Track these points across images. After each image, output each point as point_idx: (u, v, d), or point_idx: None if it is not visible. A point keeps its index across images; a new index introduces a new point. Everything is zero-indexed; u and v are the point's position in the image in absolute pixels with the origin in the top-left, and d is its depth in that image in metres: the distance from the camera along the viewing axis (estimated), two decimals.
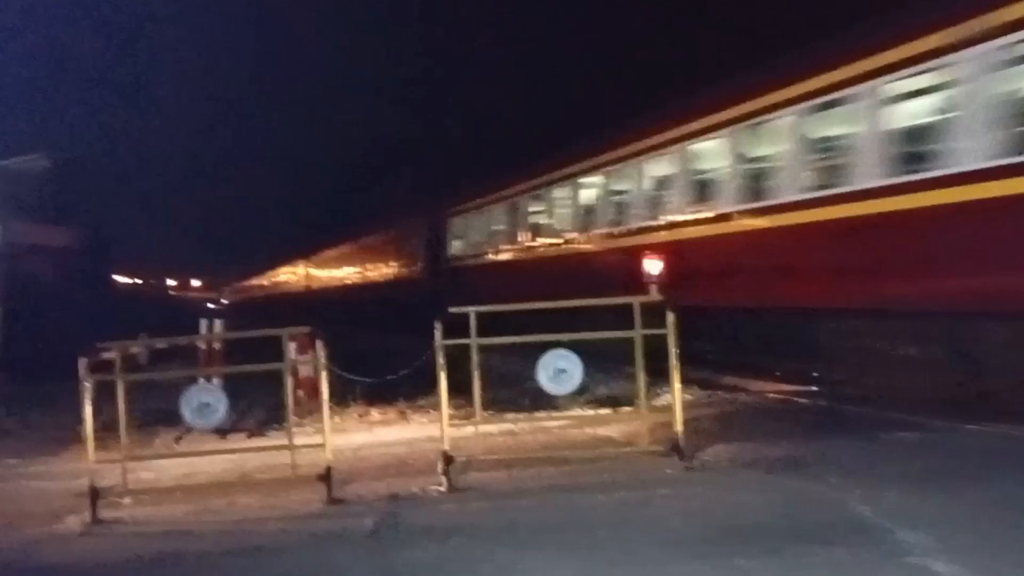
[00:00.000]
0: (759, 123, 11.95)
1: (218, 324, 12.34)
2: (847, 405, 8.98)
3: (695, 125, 13.42)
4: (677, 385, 6.96)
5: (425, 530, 5.76)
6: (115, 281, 47.17)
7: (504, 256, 21.93)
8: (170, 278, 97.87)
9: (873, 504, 5.49)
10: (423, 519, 6.06)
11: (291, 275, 56.22)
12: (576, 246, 17.70)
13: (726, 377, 11.33)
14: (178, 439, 9.97)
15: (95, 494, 6.67)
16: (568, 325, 8.50)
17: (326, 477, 6.74)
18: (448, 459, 6.89)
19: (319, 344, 7.27)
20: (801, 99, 10.96)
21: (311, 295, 46.84)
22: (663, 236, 14.25)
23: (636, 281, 13.01)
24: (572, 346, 7.23)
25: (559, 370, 6.99)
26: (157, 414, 10.70)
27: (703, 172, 13.48)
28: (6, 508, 7.04)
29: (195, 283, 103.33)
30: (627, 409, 8.99)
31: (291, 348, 10.97)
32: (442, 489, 6.75)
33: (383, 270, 34.11)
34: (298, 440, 7.38)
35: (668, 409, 7.23)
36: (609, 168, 16.53)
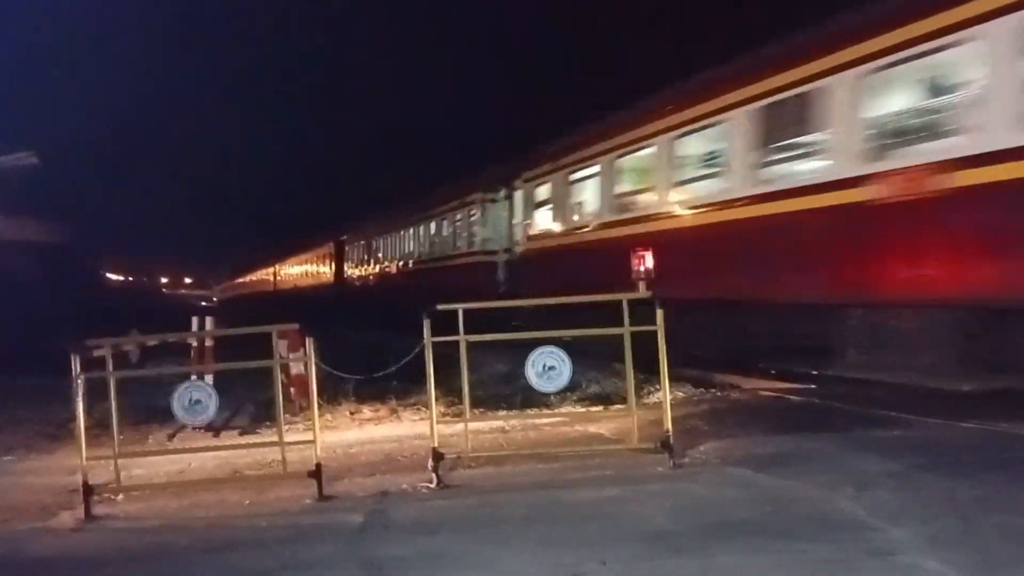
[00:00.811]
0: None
1: (209, 321, 12.36)
2: (839, 402, 9.01)
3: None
4: (666, 382, 7.01)
5: (413, 525, 5.82)
6: (106, 278, 47.09)
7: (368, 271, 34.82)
8: (163, 276, 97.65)
9: (862, 501, 5.54)
10: (411, 515, 6.11)
11: (278, 273, 56.65)
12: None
13: (719, 374, 11.35)
14: (171, 436, 10.01)
15: (88, 490, 6.70)
16: (558, 323, 8.62)
17: (316, 474, 6.78)
18: (437, 456, 6.94)
19: (309, 341, 7.29)
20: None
21: (297, 292, 47.27)
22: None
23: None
24: (564, 343, 7.28)
25: (548, 367, 7.03)
26: (149, 411, 10.75)
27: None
28: None
29: (187, 281, 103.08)
30: (618, 407, 9.05)
31: (282, 345, 11.08)
32: (431, 486, 6.79)
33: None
34: (289, 437, 7.44)
35: (659, 406, 7.29)
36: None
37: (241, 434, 10.26)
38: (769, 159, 11.48)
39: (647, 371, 8.63)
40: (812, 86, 10.56)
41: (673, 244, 13.40)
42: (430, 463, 6.94)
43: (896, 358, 9.98)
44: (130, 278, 76.82)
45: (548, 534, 5.35)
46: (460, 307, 7.11)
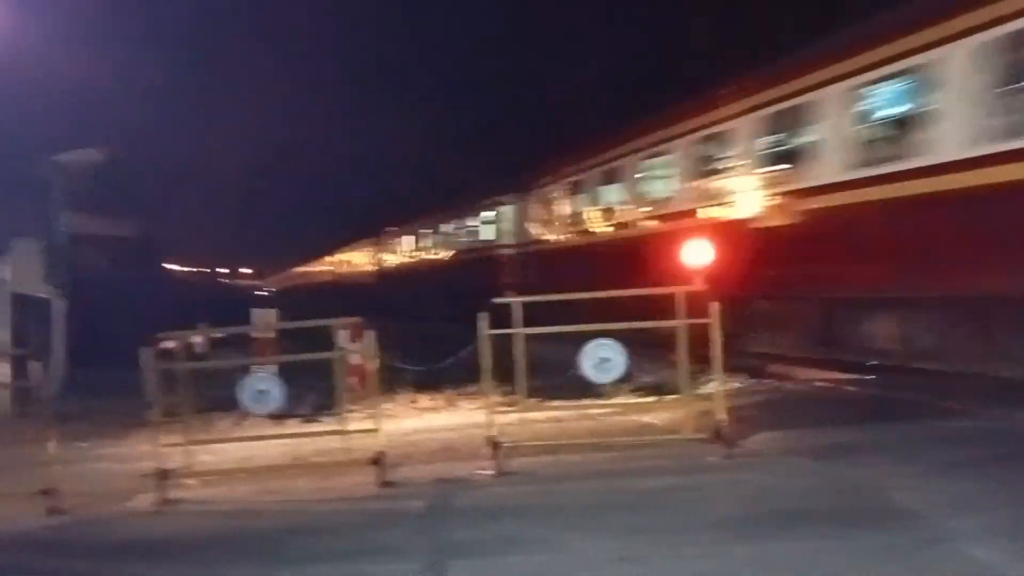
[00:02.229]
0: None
1: (271, 313, 12.70)
2: (897, 393, 8.97)
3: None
4: (720, 374, 7.07)
5: (474, 511, 6.00)
6: (167, 270, 48.26)
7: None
8: (222, 267, 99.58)
9: (919, 491, 5.54)
10: (472, 501, 6.30)
11: (333, 264, 57.31)
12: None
13: (774, 365, 11.30)
14: (237, 424, 10.35)
15: (163, 475, 7.00)
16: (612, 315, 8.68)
17: (378, 461, 6.99)
18: (495, 444, 7.10)
19: (370, 333, 7.47)
20: None
21: (353, 283, 47.67)
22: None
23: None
24: (617, 335, 7.38)
25: (603, 359, 7.14)
26: (214, 401, 11.11)
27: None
28: (80, 488, 7.37)
29: (244, 271, 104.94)
30: (671, 397, 9.12)
31: (344, 336, 11.35)
32: (490, 473, 6.96)
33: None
34: (350, 426, 7.66)
35: (713, 397, 7.35)
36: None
37: (303, 422, 10.57)
38: None
39: (701, 362, 8.68)
40: None
41: None
42: (488, 451, 7.10)
43: (956, 347, 9.82)
44: (191, 269, 78.57)
45: (609, 520, 5.46)
46: (517, 300, 7.26)
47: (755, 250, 12.01)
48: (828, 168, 11.19)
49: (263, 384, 7.48)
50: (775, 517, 5.28)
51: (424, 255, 35.27)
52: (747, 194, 12.73)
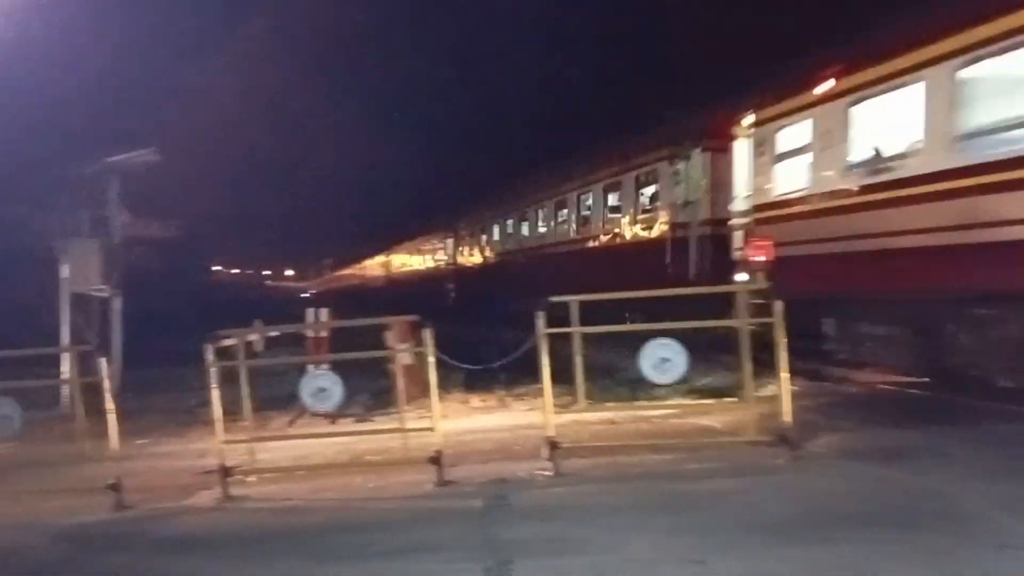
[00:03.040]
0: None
1: (324, 313, 12.79)
2: (960, 396, 8.77)
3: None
4: (784, 375, 6.92)
5: (534, 511, 5.97)
6: (214, 271, 49.16)
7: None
8: (266, 268, 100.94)
9: (984, 495, 5.46)
10: (531, 501, 6.27)
11: (375, 265, 57.51)
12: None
13: (833, 368, 11.06)
14: (291, 422, 10.44)
15: (225, 472, 7.08)
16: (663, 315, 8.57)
17: (436, 460, 6.98)
18: (553, 445, 7.06)
19: (426, 332, 7.45)
20: None
21: (393, 284, 47.75)
22: None
23: None
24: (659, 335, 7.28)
25: (662, 359, 7.06)
26: (269, 399, 11.23)
27: None
28: (141, 484, 7.49)
29: (288, 273, 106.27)
30: (729, 400, 9.00)
31: (392, 336, 11.40)
32: (548, 473, 6.92)
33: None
34: (407, 425, 7.67)
35: (774, 399, 7.24)
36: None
37: (356, 421, 10.63)
38: None
39: (759, 363, 8.56)
40: None
41: None
42: (545, 452, 7.06)
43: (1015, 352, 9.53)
44: (236, 271, 79.80)
45: (670, 523, 5.41)
46: (573, 299, 7.20)
47: None
48: None
49: (323, 382, 7.52)
50: (840, 521, 5.20)
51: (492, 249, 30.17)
52: None
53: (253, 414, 10.47)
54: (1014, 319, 8.23)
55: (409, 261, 45.02)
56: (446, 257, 36.65)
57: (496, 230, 29.45)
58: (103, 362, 7.42)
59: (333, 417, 10.41)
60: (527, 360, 8.37)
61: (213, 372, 7.32)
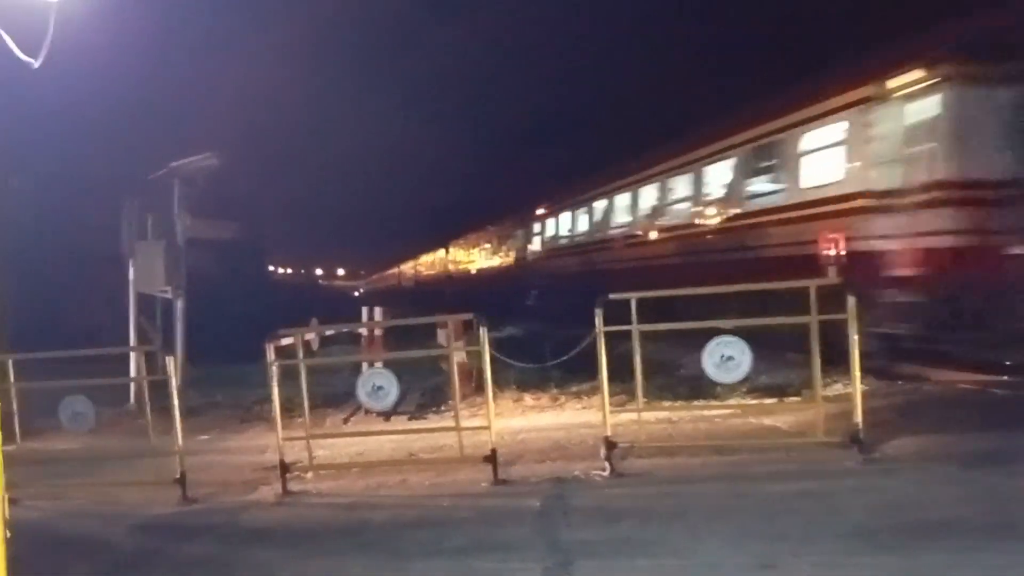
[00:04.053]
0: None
1: (378, 312, 12.89)
2: None
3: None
4: (857, 373, 6.67)
5: (594, 512, 5.88)
6: (270, 271, 49.98)
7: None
8: (319, 268, 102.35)
9: None
10: (589, 501, 6.18)
11: (422, 264, 57.78)
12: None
13: (905, 365, 10.60)
14: (346, 420, 10.53)
15: (285, 468, 7.15)
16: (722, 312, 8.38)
17: (492, 458, 6.96)
18: (611, 445, 6.98)
19: (482, 330, 7.42)
20: None
21: (443, 282, 47.47)
22: None
23: None
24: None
25: (726, 357, 6.92)
26: (325, 396, 11.35)
27: None
28: (205, 479, 7.61)
29: (340, 272, 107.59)
30: (793, 399, 8.82)
31: (443, 334, 11.44)
32: (605, 474, 6.83)
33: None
34: (462, 423, 7.65)
35: (843, 398, 7.04)
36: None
37: (410, 419, 10.67)
38: None
39: (824, 361, 8.33)
40: None
41: None
42: (603, 451, 6.98)
43: None
44: (290, 271, 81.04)
45: (737, 526, 5.28)
46: (633, 296, 7.11)
47: None
48: None
49: (380, 380, 7.53)
50: (920, 527, 5.01)
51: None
52: None
53: (311, 411, 10.69)
54: None
55: (473, 257, 43.99)
56: (518, 251, 34.15)
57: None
58: (170, 361, 7.55)
59: (387, 415, 10.47)
60: (581, 358, 8.33)
61: (274, 370, 7.38)
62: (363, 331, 12.17)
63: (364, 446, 8.80)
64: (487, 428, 7.13)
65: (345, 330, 12.62)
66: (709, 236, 15.48)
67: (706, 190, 15.92)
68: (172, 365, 7.47)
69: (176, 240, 14.51)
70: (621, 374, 7.91)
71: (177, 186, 14.69)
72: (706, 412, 8.88)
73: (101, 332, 14.09)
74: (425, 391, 12.10)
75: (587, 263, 22.44)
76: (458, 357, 10.73)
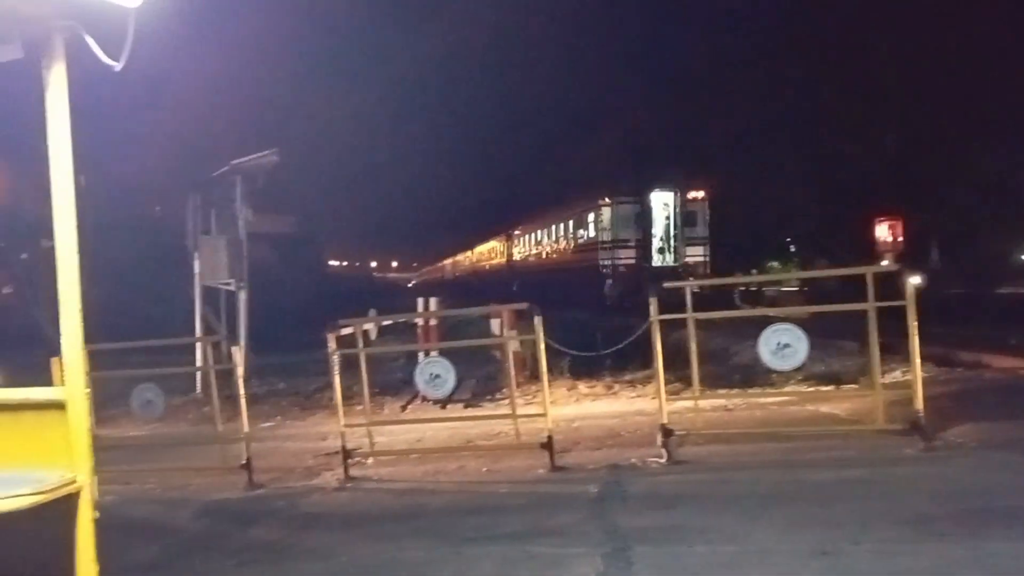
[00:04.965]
0: None
1: (434, 302, 13.03)
2: None
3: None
4: (917, 360, 6.58)
5: (650, 498, 5.91)
6: (326, 264, 50.76)
7: None
8: (373, 260, 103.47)
9: None
10: (646, 488, 6.21)
11: (473, 256, 58.65)
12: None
13: (964, 353, 10.54)
14: (403, 407, 10.70)
15: (347, 454, 7.31)
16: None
17: (548, 445, 7.01)
18: (667, 432, 6.99)
19: (537, 319, 7.46)
20: None
21: (492, 273, 48.11)
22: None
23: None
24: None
25: (783, 345, 6.87)
26: (382, 385, 11.55)
27: None
28: (269, 465, 7.82)
29: (394, 264, 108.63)
30: (850, 386, 8.72)
31: (496, 324, 11.55)
32: (661, 461, 6.85)
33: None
34: (509, 411, 7.73)
35: (901, 386, 6.94)
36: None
37: (465, 407, 10.80)
38: None
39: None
40: None
41: None
42: (659, 439, 6.99)
43: None
44: (345, 263, 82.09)
45: (794, 512, 5.25)
46: (688, 284, 7.11)
47: None
48: None
49: (437, 369, 7.65)
50: (983, 514, 4.92)
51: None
52: None
53: (370, 399, 10.89)
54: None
55: (508, 252, 44.79)
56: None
57: None
58: (235, 350, 7.77)
59: (443, 403, 10.61)
60: (634, 346, 8.34)
61: (335, 359, 7.53)
62: (419, 321, 12.32)
63: (422, 433, 8.95)
64: (543, 415, 7.18)
65: (402, 320, 12.81)
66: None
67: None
68: (238, 354, 7.68)
69: (238, 234, 14.88)
70: (674, 362, 7.91)
71: (239, 182, 15.06)
72: (762, 400, 8.82)
73: (167, 323, 14.52)
74: (479, 379, 12.23)
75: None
76: (513, 346, 10.88)
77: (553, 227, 34.92)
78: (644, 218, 27.88)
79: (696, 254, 27.70)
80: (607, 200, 28.55)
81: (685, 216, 27.71)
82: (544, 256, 36.50)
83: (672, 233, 27.86)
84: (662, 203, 27.87)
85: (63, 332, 3.04)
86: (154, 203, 24.74)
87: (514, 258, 41.49)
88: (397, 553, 5.18)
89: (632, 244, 28.08)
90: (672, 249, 27.89)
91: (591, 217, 29.81)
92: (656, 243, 27.89)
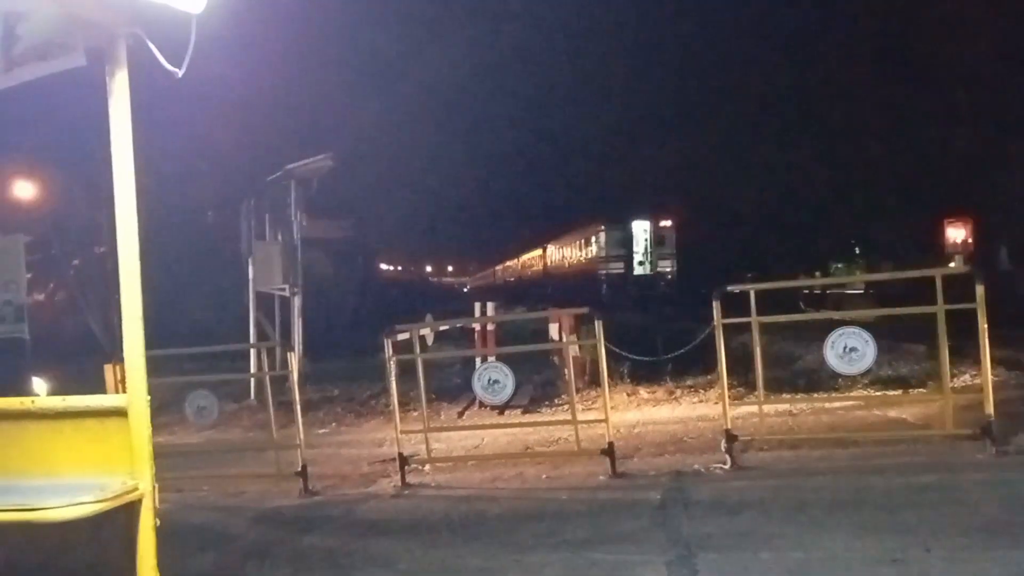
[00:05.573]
0: None
1: (491, 307, 12.99)
2: None
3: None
4: (987, 363, 6.38)
5: (714, 505, 5.77)
6: (380, 269, 51.19)
7: None
8: (428, 265, 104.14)
9: None
10: (710, 494, 6.06)
11: (518, 263, 64.28)
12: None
13: None
14: (461, 413, 10.66)
15: (403, 461, 7.28)
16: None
17: (609, 451, 6.91)
18: (731, 438, 6.83)
19: (598, 324, 7.36)
20: None
21: (547, 278, 51.26)
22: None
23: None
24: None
25: (849, 348, 6.68)
26: (439, 391, 11.54)
27: None
28: (324, 472, 7.84)
29: (449, 269, 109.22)
30: (918, 390, 8.46)
31: (555, 329, 11.45)
32: (725, 467, 6.71)
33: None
34: (568, 416, 7.63)
35: (971, 390, 6.72)
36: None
37: (523, 412, 10.72)
38: None
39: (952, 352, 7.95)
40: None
41: None
42: (723, 444, 6.84)
43: None
44: (400, 268, 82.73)
45: (862, 519, 5.10)
46: (751, 287, 6.95)
47: None
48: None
49: (495, 374, 7.58)
50: None
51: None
52: None
53: (428, 405, 10.88)
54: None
55: (558, 257, 50.02)
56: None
57: None
58: (291, 356, 7.79)
59: (501, 408, 10.55)
60: (695, 351, 8.19)
61: (392, 365, 7.51)
62: (475, 326, 12.28)
63: (480, 439, 8.90)
64: (604, 421, 7.08)
65: (459, 325, 12.79)
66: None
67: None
68: (293, 360, 7.70)
69: (292, 239, 15.00)
70: (736, 367, 7.75)
71: (293, 187, 15.19)
72: (828, 404, 8.61)
73: (220, 329, 14.68)
74: (537, 385, 12.16)
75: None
76: (572, 351, 10.78)
77: (572, 243, 45.54)
78: (628, 240, 37.74)
79: (665, 266, 37.53)
80: (602, 227, 38.64)
81: (657, 239, 37.51)
82: (567, 265, 46.61)
83: (648, 250, 37.64)
84: (641, 229, 37.72)
85: (125, 340, 3.04)
86: (207, 208, 25.06)
87: (548, 266, 52.14)
88: (456, 561, 5.11)
89: (620, 258, 37.84)
90: (648, 262, 37.60)
91: (594, 238, 40.20)
92: (637, 258, 37.62)
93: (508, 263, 71.10)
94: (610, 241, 38.05)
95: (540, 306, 23.71)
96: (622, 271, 37.34)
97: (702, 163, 36.94)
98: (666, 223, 37.23)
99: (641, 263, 37.29)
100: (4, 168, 18.72)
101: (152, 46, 3.04)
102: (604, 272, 37.82)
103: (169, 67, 3.05)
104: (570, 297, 27.24)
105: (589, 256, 40.88)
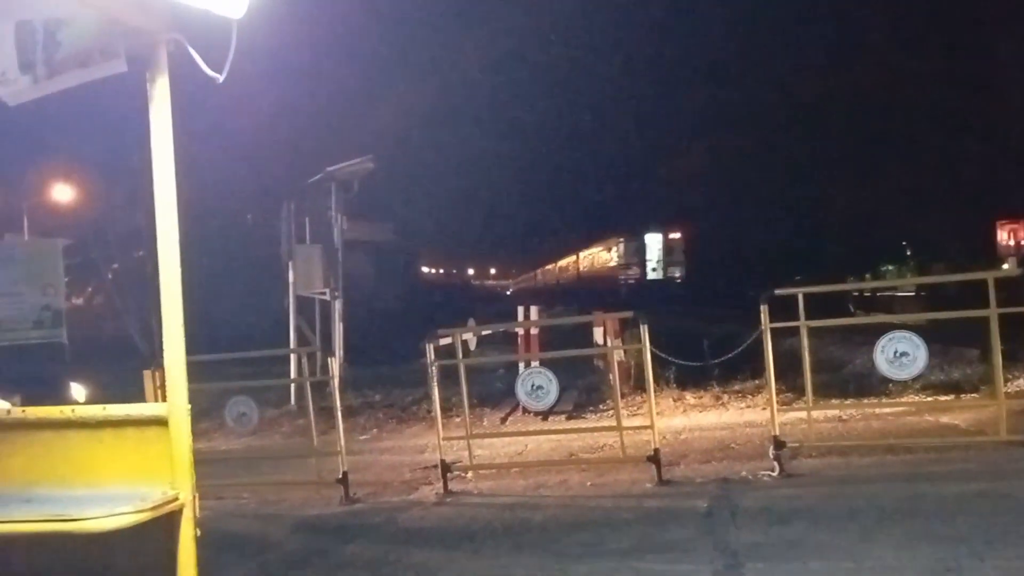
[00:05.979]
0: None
1: (534, 310, 12.89)
2: None
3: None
4: None
5: (761, 513, 5.65)
6: (422, 271, 51.53)
7: None
8: (470, 267, 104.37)
9: None
10: (758, 502, 5.94)
11: (556, 267, 68.69)
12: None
13: None
14: (504, 419, 10.58)
15: (446, 468, 7.21)
16: None
17: (655, 458, 6.79)
18: (779, 444, 6.68)
19: (643, 328, 7.24)
20: None
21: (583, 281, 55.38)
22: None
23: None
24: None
25: (899, 353, 6.49)
26: (481, 396, 11.47)
27: None
28: (365, 479, 7.81)
29: (492, 271, 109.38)
30: (972, 395, 8.22)
31: (600, 333, 11.33)
32: (773, 474, 6.56)
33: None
34: (614, 422, 7.52)
35: (1022, 395, 6.49)
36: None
37: (567, 419, 10.61)
38: None
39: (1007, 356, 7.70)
40: None
41: None
42: (771, 451, 6.69)
43: None
44: (442, 271, 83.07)
45: (914, 528, 4.96)
46: (800, 291, 6.79)
47: None
48: None
49: (539, 380, 7.48)
50: None
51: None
52: None
53: (469, 411, 10.83)
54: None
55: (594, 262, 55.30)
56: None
57: None
58: (332, 362, 7.77)
59: (545, 414, 10.45)
60: (742, 356, 8.04)
61: (434, 370, 7.46)
62: (519, 330, 12.20)
63: (523, 446, 8.82)
64: (650, 427, 6.96)
65: (502, 329, 12.71)
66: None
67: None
68: (334, 365, 7.67)
69: (333, 243, 15.01)
70: (784, 372, 7.59)
71: (334, 190, 15.18)
72: (878, 410, 8.40)
73: (259, 334, 14.71)
74: (581, 390, 12.04)
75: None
76: (617, 355, 10.65)
77: (598, 252, 52.63)
78: (642, 250, 45.18)
79: (674, 272, 44.04)
80: (622, 239, 46.53)
81: (667, 249, 44.51)
82: (595, 271, 52.86)
83: (659, 259, 44.69)
84: (654, 240, 44.86)
85: (165, 348, 3.02)
86: (246, 212, 25.22)
87: (581, 271, 58.13)
88: (500, 570, 5.05)
89: (636, 265, 45.38)
90: (660, 269, 44.40)
91: (614, 248, 47.98)
92: (650, 265, 44.79)
93: (547, 267, 76.41)
94: (628, 251, 46.30)
95: (576, 309, 23.53)
96: (636, 277, 44.86)
97: (728, 171, 37.30)
98: (675, 235, 44.03)
99: (654, 269, 44.56)
100: (43, 172, 19.05)
101: (193, 52, 3.03)
102: (623, 278, 45.66)
103: (210, 72, 3.03)
104: (598, 300, 29.14)
105: (611, 264, 48.77)
